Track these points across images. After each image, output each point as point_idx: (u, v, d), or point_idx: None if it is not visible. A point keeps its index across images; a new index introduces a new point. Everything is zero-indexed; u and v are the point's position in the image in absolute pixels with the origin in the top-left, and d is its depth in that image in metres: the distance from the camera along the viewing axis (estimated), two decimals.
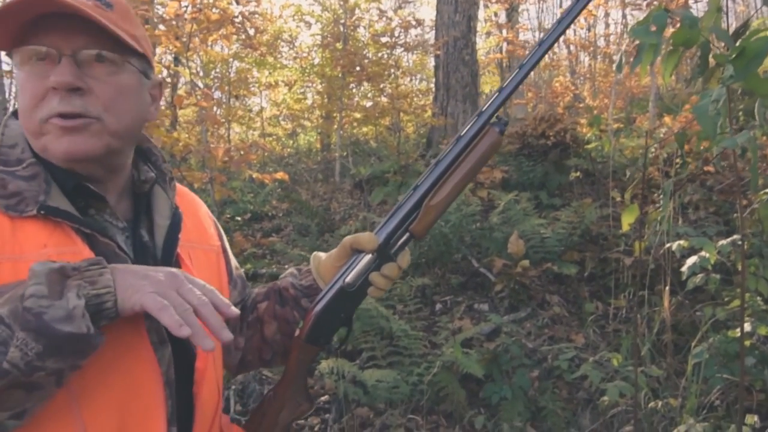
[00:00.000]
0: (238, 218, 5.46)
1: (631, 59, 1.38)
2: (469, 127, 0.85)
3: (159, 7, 4.77)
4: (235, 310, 0.68)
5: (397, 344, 2.80)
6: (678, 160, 3.69)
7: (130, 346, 0.69)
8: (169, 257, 0.80)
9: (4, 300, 0.59)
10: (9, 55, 0.74)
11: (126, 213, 0.80)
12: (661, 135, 3.85)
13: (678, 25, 1.20)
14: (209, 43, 5.39)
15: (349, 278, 0.86)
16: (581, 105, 6.69)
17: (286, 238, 5.06)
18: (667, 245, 2.25)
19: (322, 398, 2.64)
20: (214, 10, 3.90)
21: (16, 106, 0.78)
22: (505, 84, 0.85)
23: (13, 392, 0.59)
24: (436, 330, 3.14)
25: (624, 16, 9.62)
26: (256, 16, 5.15)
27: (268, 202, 6.09)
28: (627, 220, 1.60)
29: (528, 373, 2.71)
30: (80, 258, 0.67)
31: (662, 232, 2.62)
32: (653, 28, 1.22)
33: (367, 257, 0.86)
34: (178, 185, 0.89)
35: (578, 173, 3.98)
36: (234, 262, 1.00)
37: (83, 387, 0.65)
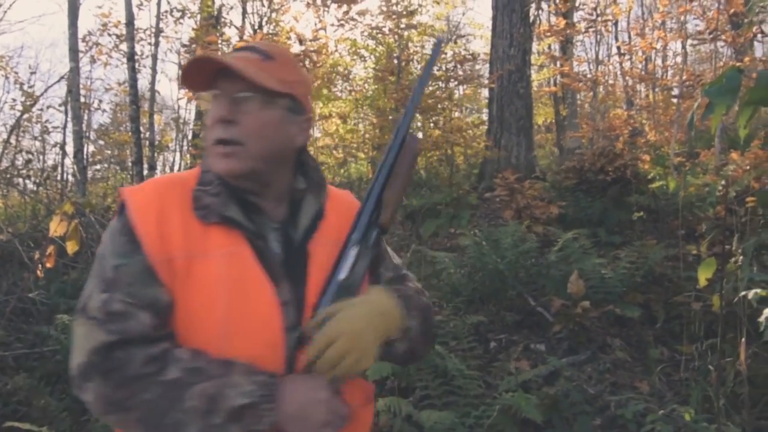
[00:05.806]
0: None
1: (700, 111, 1.36)
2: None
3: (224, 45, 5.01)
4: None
5: (452, 383, 2.75)
6: (749, 200, 3.52)
7: None
8: (303, 248, 0.98)
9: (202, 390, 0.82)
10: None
11: (282, 215, 0.99)
12: (730, 172, 3.69)
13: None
14: None
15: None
16: (642, 140, 6.51)
17: None
18: (743, 293, 2.14)
19: None
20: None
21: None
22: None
23: None
24: (491, 369, 3.06)
25: (683, 47, 9.36)
26: (314, 52, 5.34)
27: None
28: (704, 275, 1.53)
29: (590, 420, 2.60)
30: (244, 256, 0.90)
31: (736, 278, 2.49)
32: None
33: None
34: (336, 190, 1.09)
35: (641, 213, 3.84)
36: (393, 261, 1.11)
37: None
